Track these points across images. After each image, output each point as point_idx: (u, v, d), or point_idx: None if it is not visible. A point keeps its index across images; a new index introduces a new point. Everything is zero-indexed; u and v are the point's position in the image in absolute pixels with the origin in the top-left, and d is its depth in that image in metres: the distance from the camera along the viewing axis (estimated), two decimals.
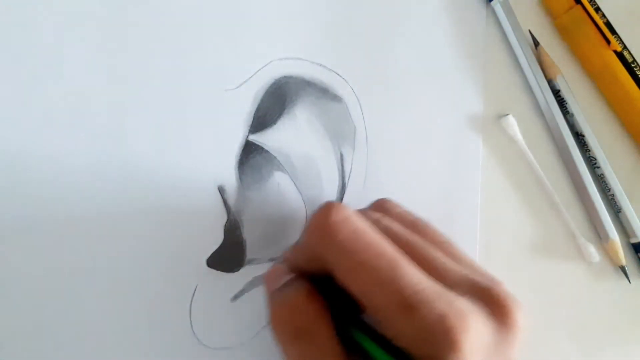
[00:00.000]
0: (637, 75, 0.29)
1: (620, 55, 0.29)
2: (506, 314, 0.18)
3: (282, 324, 0.20)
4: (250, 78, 0.26)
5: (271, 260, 0.26)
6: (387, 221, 0.21)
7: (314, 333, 0.19)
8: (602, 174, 0.30)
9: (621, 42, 0.29)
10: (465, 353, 0.16)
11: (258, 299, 0.25)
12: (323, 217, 0.19)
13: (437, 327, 0.16)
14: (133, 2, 0.24)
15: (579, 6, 0.29)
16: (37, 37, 0.23)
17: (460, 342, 0.16)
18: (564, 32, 0.31)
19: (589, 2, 0.29)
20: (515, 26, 0.29)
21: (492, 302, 0.18)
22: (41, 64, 0.23)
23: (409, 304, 0.16)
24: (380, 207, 0.23)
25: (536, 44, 0.30)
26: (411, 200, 0.27)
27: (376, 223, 0.20)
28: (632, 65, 0.29)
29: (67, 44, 0.23)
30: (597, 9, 0.29)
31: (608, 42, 0.29)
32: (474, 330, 0.16)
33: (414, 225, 0.22)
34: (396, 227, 0.21)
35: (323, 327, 0.19)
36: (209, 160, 0.25)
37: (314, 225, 0.19)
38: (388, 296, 0.17)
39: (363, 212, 0.21)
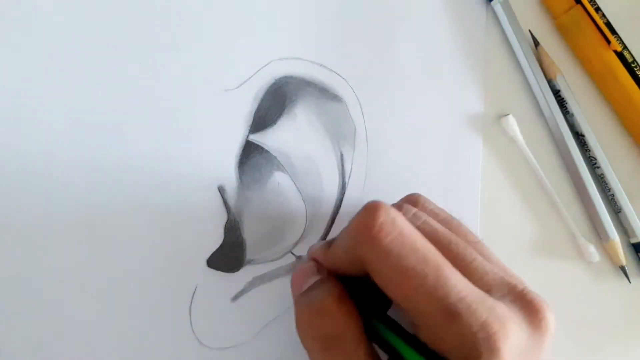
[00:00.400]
0: (637, 75, 0.29)
1: (620, 55, 0.29)
2: (540, 318, 0.18)
3: (310, 330, 0.19)
4: (250, 78, 0.26)
5: (272, 260, 0.26)
6: (425, 218, 0.21)
7: (343, 339, 0.19)
8: (602, 174, 0.30)
9: (621, 42, 0.29)
10: (505, 359, 0.16)
11: (258, 299, 0.25)
12: (368, 219, 0.18)
13: (479, 334, 0.16)
14: (133, 1, 0.24)
15: (579, 6, 0.29)
16: (37, 37, 0.23)
17: (502, 350, 0.16)
18: (564, 32, 0.31)
19: (589, 2, 0.29)
20: (515, 26, 0.29)
21: (526, 305, 0.18)
22: (41, 64, 0.23)
23: (452, 311, 0.17)
24: (414, 203, 0.23)
25: (536, 43, 0.30)
26: None
27: (414, 220, 0.20)
28: (632, 65, 0.29)
29: (67, 44, 0.23)
30: (597, 9, 0.29)
31: (608, 42, 0.29)
32: (513, 336, 0.17)
33: (448, 223, 0.22)
34: (435, 226, 0.20)
35: (353, 333, 0.19)
36: (209, 160, 0.25)
37: (358, 226, 0.18)
38: (432, 302, 0.17)
39: (399, 206, 0.21)
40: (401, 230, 0.18)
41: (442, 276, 0.17)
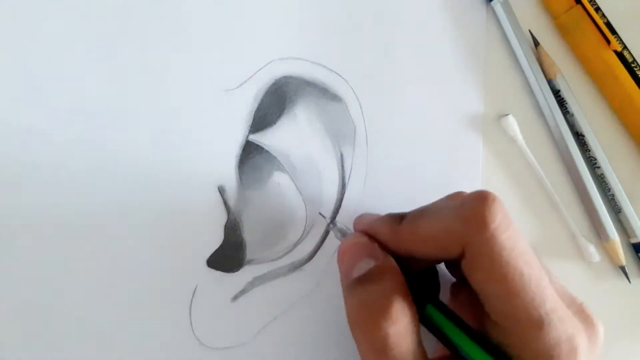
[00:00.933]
0: (637, 75, 0.29)
1: (620, 55, 0.29)
2: (596, 332, 0.19)
3: (365, 329, 0.18)
4: (250, 78, 0.26)
5: (272, 260, 0.26)
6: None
7: (401, 348, 0.18)
8: (602, 174, 0.30)
9: (621, 42, 0.29)
10: None
11: (258, 299, 0.25)
12: (487, 209, 0.18)
13: (564, 346, 0.17)
14: (133, 1, 0.24)
15: (579, 6, 0.29)
16: (37, 36, 0.23)
17: None
18: (564, 32, 0.31)
19: (589, 2, 0.29)
20: (515, 26, 0.29)
21: (585, 318, 0.19)
22: (41, 63, 0.23)
23: (545, 320, 0.17)
24: None
25: (536, 43, 0.30)
26: (411, 199, 0.27)
27: None
28: (632, 65, 0.29)
29: (66, 43, 0.23)
30: (597, 9, 0.29)
31: (608, 42, 0.29)
32: (583, 349, 0.18)
33: None
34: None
35: (412, 337, 0.18)
36: (209, 160, 0.25)
37: (474, 215, 0.18)
38: (527, 307, 0.17)
39: None
40: (515, 229, 0.18)
41: (542, 284, 0.18)
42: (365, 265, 0.19)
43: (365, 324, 0.18)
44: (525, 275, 0.17)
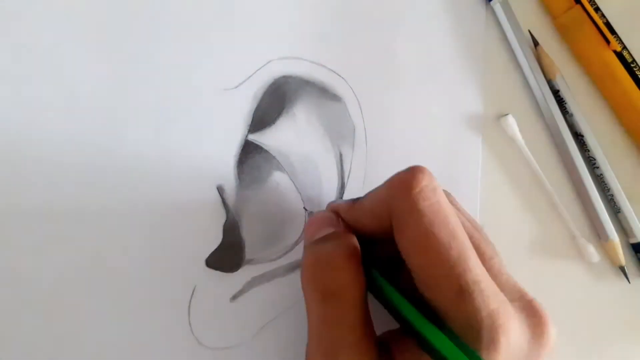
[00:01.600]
0: (636, 75, 0.29)
1: (619, 55, 0.29)
2: (543, 329, 0.19)
3: (313, 280, 0.19)
4: (249, 77, 0.26)
5: (271, 260, 0.25)
6: (458, 206, 0.21)
7: (343, 297, 0.18)
8: (601, 174, 0.30)
9: (620, 42, 0.29)
10: (501, 354, 0.17)
11: (257, 299, 0.25)
12: (412, 177, 0.18)
13: (485, 320, 0.16)
14: (132, 1, 0.24)
15: (578, 6, 0.29)
16: (37, 36, 0.23)
17: (501, 343, 0.16)
18: (563, 32, 0.31)
19: (589, 2, 0.29)
20: (515, 26, 0.29)
21: (533, 314, 0.19)
22: (40, 63, 0.23)
23: (466, 290, 0.17)
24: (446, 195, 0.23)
25: (536, 43, 0.30)
26: None
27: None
28: (632, 65, 0.29)
29: (66, 43, 0.23)
30: (597, 9, 0.29)
31: (607, 42, 0.29)
32: (513, 336, 0.17)
33: (472, 223, 0.22)
34: (465, 216, 0.20)
35: (354, 293, 0.18)
36: (208, 160, 0.25)
37: (399, 182, 0.18)
38: (449, 276, 0.17)
39: None
40: (439, 199, 0.18)
41: (465, 255, 0.17)
42: (325, 231, 0.20)
43: (313, 274, 0.19)
44: (444, 244, 0.17)
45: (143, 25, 0.24)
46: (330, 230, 0.20)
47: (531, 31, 0.30)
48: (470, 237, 0.19)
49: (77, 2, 0.24)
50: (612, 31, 0.29)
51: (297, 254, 0.26)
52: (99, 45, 0.24)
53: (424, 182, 0.18)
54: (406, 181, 0.18)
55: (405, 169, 0.19)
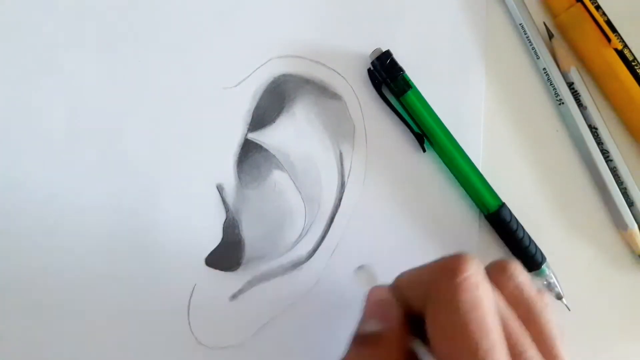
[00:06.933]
0: (637, 73, 0.29)
1: (620, 54, 0.29)
2: None
3: None
4: (249, 76, 0.26)
5: (271, 259, 0.25)
6: (501, 299, 0.20)
7: None
8: (614, 167, 0.30)
9: (622, 40, 0.29)
10: None
11: (257, 298, 0.25)
12: (458, 264, 0.18)
13: None
14: (132, 1, 0.24)
15: (579, 4, 0.29)
16: (36, 36, 0.23)
17: None
18: (564, 30, 0.31)
19: (590, 0, 0.29)
20: (528, 18, 0.29)
21: None
22: (40, 63, 0.23)
23: None
24: (502, 271, 0.22)
25: (550, 36, 0.30)
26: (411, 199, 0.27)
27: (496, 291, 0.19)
28: (633, 63, 0.29)
29: (66, 43, 0.23)
30: (598, 7, 0.29)
31: (609, 40, 0.29)
32: None
33: (530, 306, 0.21)
34: (509, 312, 0.20)
35: None
36: (208, 159, 0.25)
37: (444, 265, 0.18)
38: None
39: (496, 270, 0.20)
40: (480, 295, 0.18)
41: (492, 357, 0.17)
42: (371, 326, 0.20)
43: None
44: (472, 342, 0.17)
45: (142, 25, 0.24)
46: (377, 326, 0.20)
47: (546, 23, 0.30)
48: (509, 336, 0.18)
49: (77, 2, 0.23)
50: (613, 29, 0.29)
51: (297, 252, 0.26)
52: (98, 44, 0.24)
53: (468, 271, 0.18)
54: (451, 266, 0.18)
55: (452, 255, 0.18)
